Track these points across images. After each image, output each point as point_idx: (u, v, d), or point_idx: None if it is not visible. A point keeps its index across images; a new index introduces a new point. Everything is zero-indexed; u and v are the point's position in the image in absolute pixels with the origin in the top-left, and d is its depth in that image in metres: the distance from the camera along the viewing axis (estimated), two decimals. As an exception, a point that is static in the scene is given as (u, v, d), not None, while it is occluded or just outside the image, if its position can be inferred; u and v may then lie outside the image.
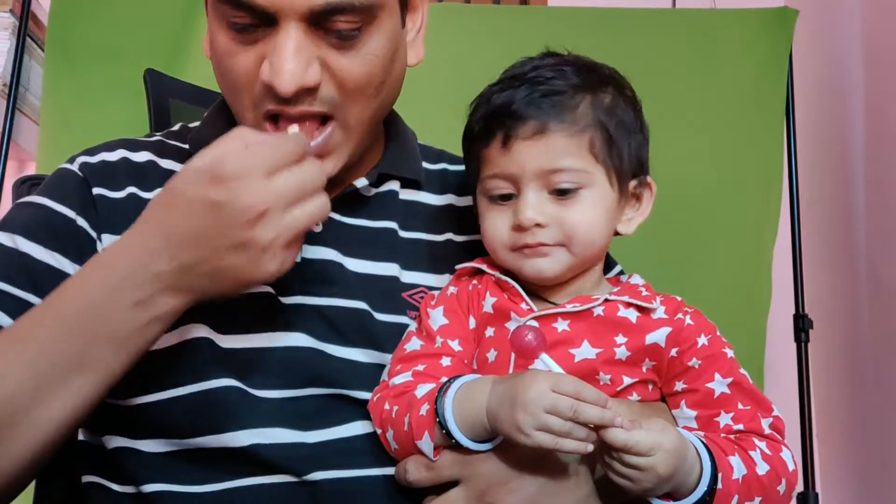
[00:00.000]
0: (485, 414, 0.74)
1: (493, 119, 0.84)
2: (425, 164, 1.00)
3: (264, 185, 0.71)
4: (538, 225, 0.82)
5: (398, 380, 0.82)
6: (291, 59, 0.77)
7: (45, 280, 0.82)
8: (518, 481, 0.75)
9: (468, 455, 0.76)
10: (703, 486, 0.74)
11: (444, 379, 0.79)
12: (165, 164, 0.93)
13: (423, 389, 0.79)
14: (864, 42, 1.85)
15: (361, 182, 0.91)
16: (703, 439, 0.77)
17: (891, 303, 1.70)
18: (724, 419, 0.80)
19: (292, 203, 0.72)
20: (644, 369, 0.82)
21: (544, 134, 0.82)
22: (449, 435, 0.75)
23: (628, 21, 1.94)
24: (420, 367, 0.82)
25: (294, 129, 0.79)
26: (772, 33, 1.90)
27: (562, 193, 0.82)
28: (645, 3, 2.11)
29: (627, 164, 0.85)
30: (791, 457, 0.80)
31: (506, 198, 0.84)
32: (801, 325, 1.82)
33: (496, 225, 0.85)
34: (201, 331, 0.82)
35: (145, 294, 0.72)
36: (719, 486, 0.74)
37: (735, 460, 0.76)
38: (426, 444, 0.76)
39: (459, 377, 0.79)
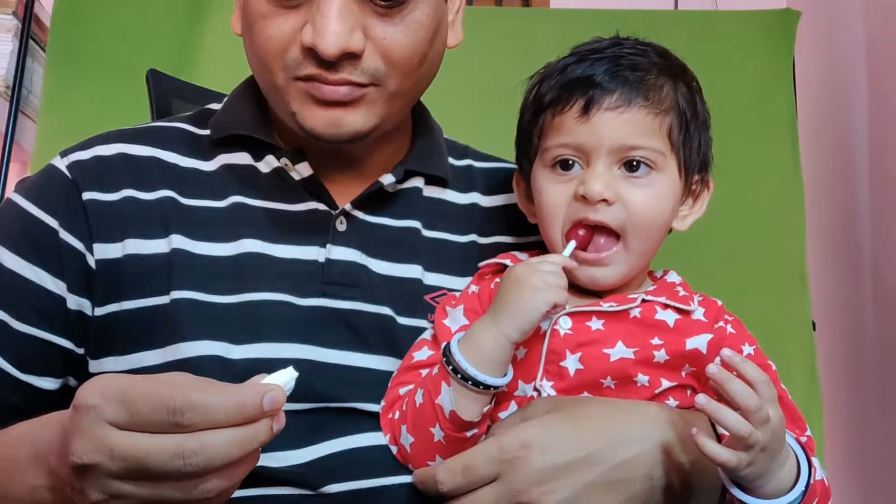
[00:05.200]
0: (490, 337, 0.75)
1: (572, 87, 0.82)
2: (451, 160, 0.97)
3: (106, 436, 0.59)
4: (604, 201, 0.80)
5: (406, 389, 0.80)
6: (335, 20, 0.75)
7: (19, 294, 0.81)
8: (554, 483, 0.74)
9: (505, 453, 0.75)
10: (802, 483, 0.71)
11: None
12: (168, 157, 0.88)
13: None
14: (867, 43, 1.85)
15: (387, 179, 0.88)
16: (795, 437, 0.75)
17: (894, 304, 1.70)
18: None
19: (135, 475, 0.59)
20: (683, 374, 0.81)
21: (629, 107, 0.80)
22: (464, 377, 0.74)
23: (630, 23, 1.91)
24: (425, 374, 0.81)
25: (287, 374, 0.65)
26: (774, 35, 1.91)
27: (633, 170, 0.81)
28: (647, 4, 2.11)
29: (695, 157, 0.84)
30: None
31: (567, 167, 0.82)
32: (806, 326, 1.82)
33: (557, 196, 0.83)
34: (209, 347, 0.78)
35: (40, 483, 0.68)
36: (812, 480, 0.72)
37: (816, 462, 0.75)
38: (445, 395, 0.75)
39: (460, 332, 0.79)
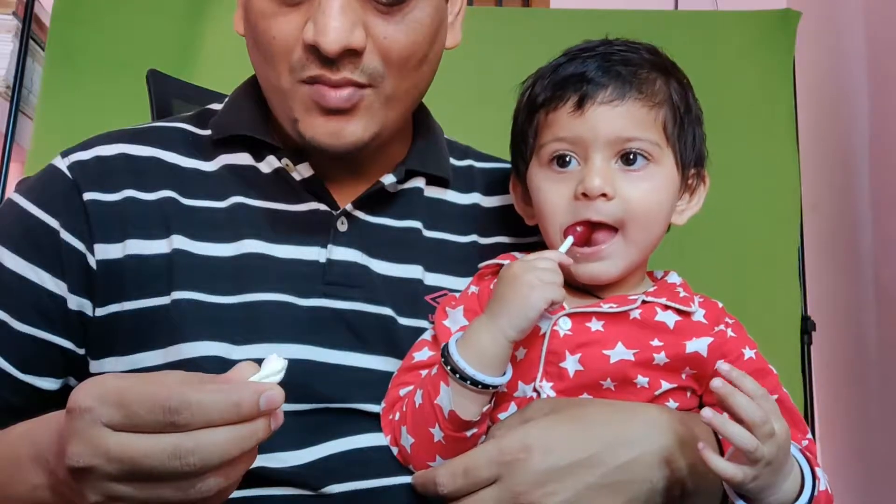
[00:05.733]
0: (488, 336, 0.75)
1: (564, 84, 0.83)
2: (452, 161, 0.97)
3: (101, 438, 0.59)
4: (604, 195, 0.80)
5: (405, 391, 0.80)
6: (337, 17, 0.75)
7: (20, 294, 0.81)
8: (556, 484, 0.73)
9: (506, 455, 0.75)
10: (806, 495, 0.71)
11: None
12: (169, 157, 0.88)
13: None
14: (868, 44, 1.85)
15: (388, 179, 0.88)
16: (800, 448, 0.75)
17: (894, 304, 1.70)
18: None
19: (132, 477, 0.59)
20: (683, 376, 0.80)
21: (623, 100, 0.80)
22: (462, 377, 0.74)
23: (631, 23, 1.93)
24: (425, 374, 0.80)
25: (275, 361, 0.65)
26: (774, 35, 1.91)
27: (631, 163, 0.81)
28: (647, 4, 2.12)
29: (690, 151, 0.85)
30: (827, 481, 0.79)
31: (564, 164, 0.82)
32: (805, 326, 1.82)
33: (555, 195, 0.82)
34: (209, 348, 0.79)
35: (40, 482, 0.69)
36: (816, 492, 0.72)
37: (820, 472, 0.74)
38: (444, 395, 0.75)
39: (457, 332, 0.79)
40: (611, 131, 0.80)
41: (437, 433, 0.76)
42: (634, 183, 0.81)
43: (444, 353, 0.76)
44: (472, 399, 0.75)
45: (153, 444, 0.58)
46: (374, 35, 0.78)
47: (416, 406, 0.77)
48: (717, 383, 0.68)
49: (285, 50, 0.79)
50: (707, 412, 0.68)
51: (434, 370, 0.77)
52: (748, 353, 0.81)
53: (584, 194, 0.80)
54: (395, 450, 0.79)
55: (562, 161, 0.83)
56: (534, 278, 0.76)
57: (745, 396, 0.68)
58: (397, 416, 0.79)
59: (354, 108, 0.80)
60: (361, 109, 0.80)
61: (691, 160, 0.86)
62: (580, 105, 0.81)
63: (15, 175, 1.91)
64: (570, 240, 0.81)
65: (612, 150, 0.81)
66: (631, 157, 0.81)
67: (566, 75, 0.83)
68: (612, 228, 0.82)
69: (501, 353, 0.76)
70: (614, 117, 0.80)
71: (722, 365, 0.69)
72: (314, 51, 0.77)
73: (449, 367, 0.75)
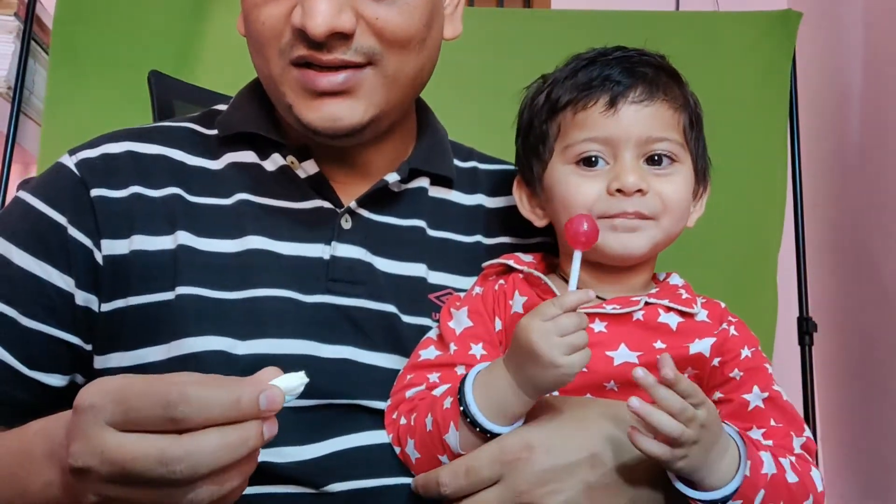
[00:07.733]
0: (509, 391, 0.73)
1: (590, 85, 0.83)
2: (456, 162, 0.98)
3: (99, 438, 0.58)
4: (640, 191, 0.80)
5: (413, 392, 0.80)
6: (324, 0, 0.76)
7: (27, 290, 0.81)
8: (558, 484, 0.73)
9: (508, 454, 0.74)
10: (739, 476, 0.71)
11: (463, 371, 0.78)
12: (176, 155, 0.88)
13: (442, 389, 0.78)
14: (867, 44, 1.85)
15: (392, 177, 0.88)
16: (738, 431, 0.75)
17: (894, 304, 1.70)
18: (755, 434, 0.78)
19: (123, 480, 0.58)
20: (686, 377, 0.80)
21: (652, 101, 0.82)
22: (473, 423, 0.73)
23: (631, 24, 1.94)
24: (434, 377, 0.80)
25: (296, 377, 0.63)
26: (775, 36, 1.91)
27: (658, 163, 0.82)
28: (648, 5, 2.12)
29: (702, 158, 0.87)
30: (820, 478, 0.78)
31: (591, 164, 0.83)
32: (805, 327, 1.82)
33: (584, 191, 0.82)
34: (213, 343, 0.79)
35: (52, 478, 0.68)
36: (747, 472, 0.71)
37: (766, 456, 0.74)
38: (452, 436, 0.75)
39: (477, 366, 0.78)
40: (642, 130, 0.81)
41: (445, 460, 0.77)
42: (663, 180, 0.82)
43: (461, 396, 0.74)
44: (478, 444, 0.75)
45: (142, 447, 0.57)
46: (366, 17, 0.79)
47: (427, 430, 0.76)
48: (639, 373, 0.69)
49: (274, 34, 0.79)
50: (634, 401, 0.68)
51: (447, 402, 0.76)
52: (745, 351, 0.81)
53: (619, 190, 0.81)
54: (397, 449, 0.79)
55: (588, 161, 0.83)
56: (560, 357, 0.70)
57: (666, 388, 0.68)
58: (402, 419, 0.79)
59: (352, 90, 0.80)
60: (360, 90, 0.80)
61: (702, 165, 0.88)
62: (612, 104, 0.82)
63: (16, 176, 1.91)
64: (578, 255, 0.76)
65: (640, 150, 0.82)
66: (657, 158, 0.82)
67: (591, 77, 0.84)
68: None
69: (522, 410, 0.75)
70: (645, 117, 0.82)
71: (637, 371, 0.69)
72: (302, 35, 0.77)
73: (462, 408, 0.74)
